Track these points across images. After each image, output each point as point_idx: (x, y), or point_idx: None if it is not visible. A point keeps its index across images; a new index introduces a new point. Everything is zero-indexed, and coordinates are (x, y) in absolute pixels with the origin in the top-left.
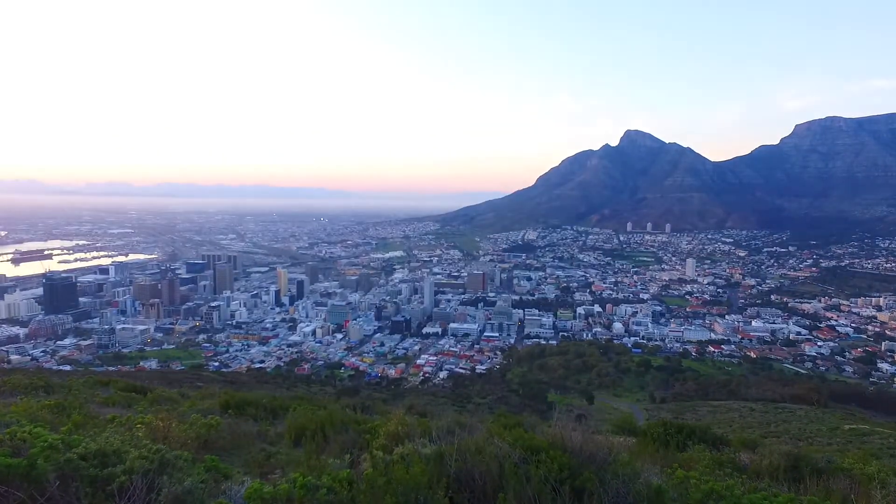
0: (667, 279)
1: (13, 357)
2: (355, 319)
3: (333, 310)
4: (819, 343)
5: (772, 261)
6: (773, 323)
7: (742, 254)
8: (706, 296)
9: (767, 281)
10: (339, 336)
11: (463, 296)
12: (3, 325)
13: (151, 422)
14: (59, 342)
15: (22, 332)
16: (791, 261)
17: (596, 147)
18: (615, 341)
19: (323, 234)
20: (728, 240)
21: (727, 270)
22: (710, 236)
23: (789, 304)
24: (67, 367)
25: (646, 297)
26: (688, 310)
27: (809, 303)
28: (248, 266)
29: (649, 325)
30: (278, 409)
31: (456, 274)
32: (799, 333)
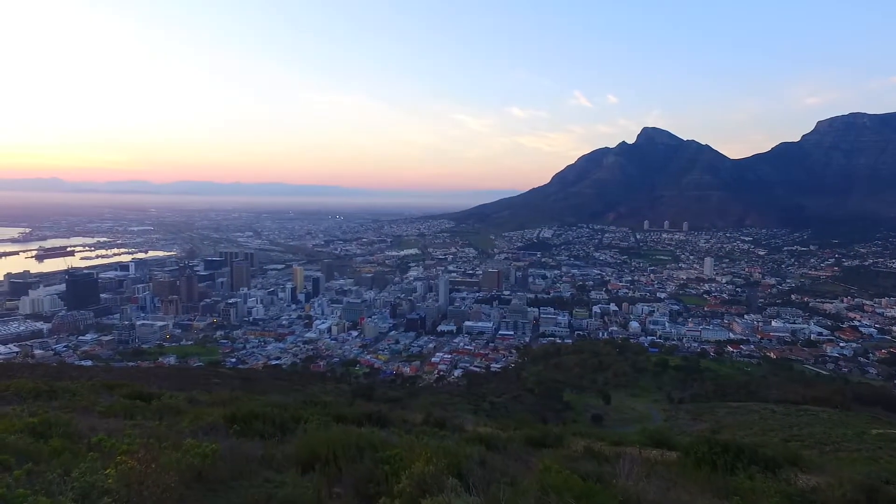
0: (684, 278)
1: (37, 352)
2: (370, 317)
3: (349, 307)
4: (841, 344)
5: (792, 260)
6: (794, 323)
7: (761, 252)
8: (724, 295)
9: (788, 280)
10: (355, 333)
11: (478, 294)
12: (28, 321)
13: (127, 464)
14: (80, 337)
15: (45, 327)
16: (812, 260)
17: (613, 145)
18: (632, 340)
19: (338, 232)
20: (747, 238)
21: (746, 269)
22: (728, 235)
23: (810, 304)
24: (88, 363)
25: (663, 295)
26: (706, 309)
27: (831, 303)
28: (265, 263)
29: (666, 324)
30: (289, 421)
31: (471, 272)
32: (820, 334)
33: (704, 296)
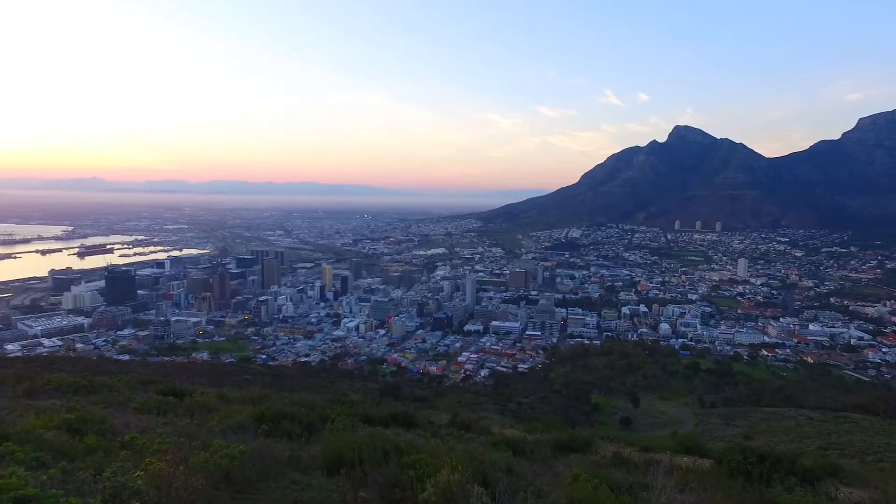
0: (717, 279)
1: (78, 346)
2: (397, 316)
3: (376, 306)
4: (884, 349)
5: (831, 261)
6: (833, 327)
7: (798, 254)
8: (759, 297)
9: (826, 282)
10: (382, 332)
11: (505, 294)
12: (70, 315)
13: (156, 465)
14: (119, 332)
15: (86, 321)
16: (853, 262)
17: (643, 144)
18: (662, 342)
19: (366, 231)
20: (783, 239)
21: (782, 271)
22: (763, 235)
23: (850, 308)
24: (126, 357)
25: (694, 297)
26: (739, 311)
27: (873, 306)
28: (295, 262)
29: (698, 326)
30: (316, 421)
31: (498, 272)
32: (861, 338)
33: (738, 298)
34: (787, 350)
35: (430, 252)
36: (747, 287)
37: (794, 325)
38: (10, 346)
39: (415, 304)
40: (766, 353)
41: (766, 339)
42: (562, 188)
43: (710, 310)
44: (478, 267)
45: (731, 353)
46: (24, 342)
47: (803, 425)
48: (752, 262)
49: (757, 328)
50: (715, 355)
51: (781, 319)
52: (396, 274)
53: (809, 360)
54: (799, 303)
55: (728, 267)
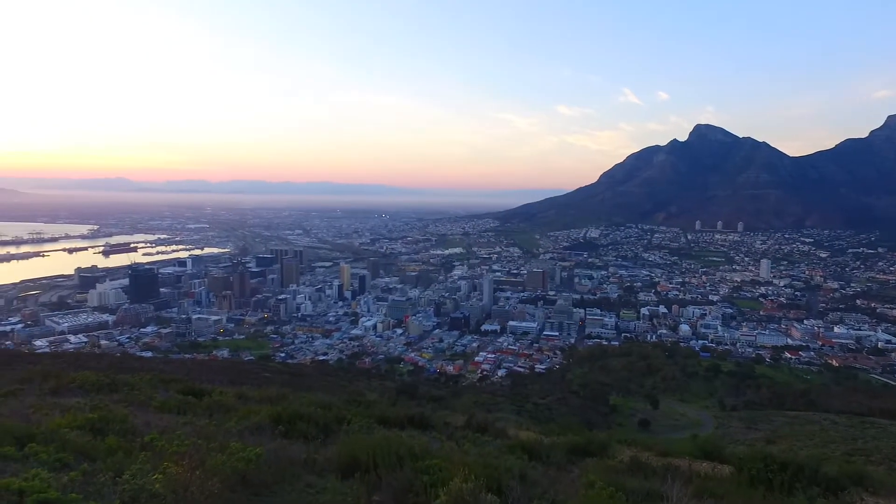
0: (738, 280)
1: (103, 342)
2: (415, 315)
3: (394, 305)
4: None
5: (858, 262)
6: (859, 329)
7: (823, 255)
8: (782, 299)
9: (852, 284)
10: (399, 331)
11: (522, 294)
12: (95, 312)
13: (172, 470)
14: (142, 329)
15: (110, 318)
16: (880, 263)
17: (663, 143)
18: (682, 344)
19: (384, 231)
20: (808, 240)
21: (806, 272)
22: (787, 236)
23: (877, 310)
24: (148, 354)
25: (715, 298)
26: (761, 313)
27: None
28: (313, 261)
29: (719, 327)
30: (332, 422)
31: (515, 272)
32: (889, 341)
33: (760, 299)
34: (812, 353)
35: (447, 252)
36: (770, 288)
37: (819, 327)
38: (38, 343)
39: (432, 303)
40: (789, 355)
41: (790, 341)
42: (580, 188)
43: (731, 311)
44: (495, 267)
45: (753, 356)
46: (52, 338)
47: (828, 430)
48: (776, 263)
49: (780, 330)
50: (736, 357)
51: (805, 321)
52: (414, 273)
53: (834, 363)
54: (824, 305)
55: (750, 268)
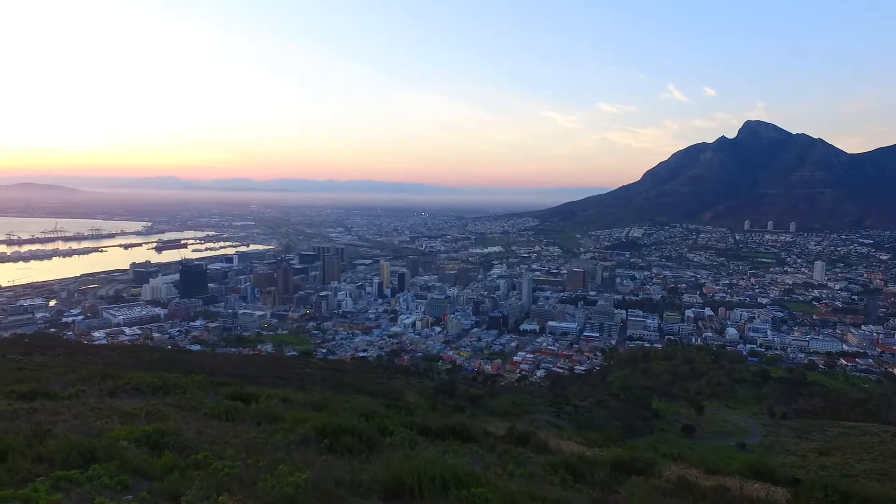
0: (790, 283)
1: (155, 335)
2: (453, 313)
3: (432, 303)
4: None
5: None
6: None
7: (884, 257)
8: (837, 302)
9: None
10: (438, 329)
11: (562, 294)
12: (149, 306)
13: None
14: (191, 323)
15: (162, 312)
16: None
17: (710, 140)
18: (728, 348)
19: (424, 229)
20: (866, 241)
21: (865, 275)
22: (843, 237)
23: None
24: (197, 347)
25: (765, 301)
26: (815, 317)
27: None
28: (354, 258)
29: (768, 331)
30: (375, 434)
31: (555, 271)
32: None
33: (813, 303)
34: (870, 360)
35: (486, 250)
36: (824, 291)
37: (878, 333)
38: (96, 334)
39: (470, 302)
40: (845, 362)
41: (846, 347)
42: (623, 186)
43: (781, 315)
44: (534, 266)
45: (805, 362)
46: (109, 330)
47: (887, 443)
48: (831, 265)
49: (835, 336)
50: (787, 363)
51: (863, 327)
52: (453, 272)
53: (895, 372)
54: (884, 310)
55: (803, 270)
